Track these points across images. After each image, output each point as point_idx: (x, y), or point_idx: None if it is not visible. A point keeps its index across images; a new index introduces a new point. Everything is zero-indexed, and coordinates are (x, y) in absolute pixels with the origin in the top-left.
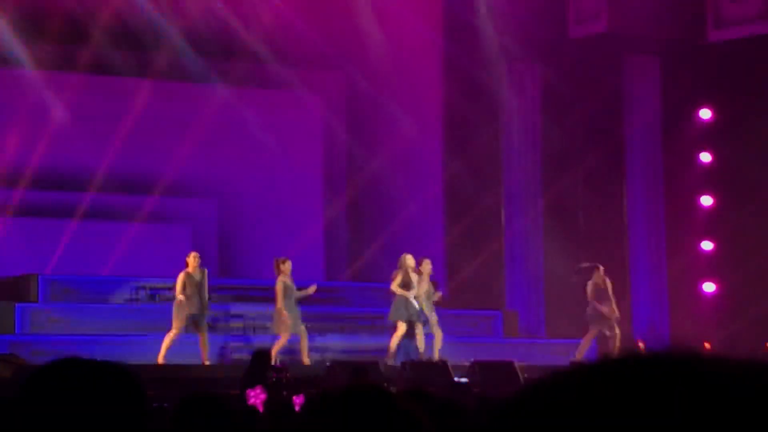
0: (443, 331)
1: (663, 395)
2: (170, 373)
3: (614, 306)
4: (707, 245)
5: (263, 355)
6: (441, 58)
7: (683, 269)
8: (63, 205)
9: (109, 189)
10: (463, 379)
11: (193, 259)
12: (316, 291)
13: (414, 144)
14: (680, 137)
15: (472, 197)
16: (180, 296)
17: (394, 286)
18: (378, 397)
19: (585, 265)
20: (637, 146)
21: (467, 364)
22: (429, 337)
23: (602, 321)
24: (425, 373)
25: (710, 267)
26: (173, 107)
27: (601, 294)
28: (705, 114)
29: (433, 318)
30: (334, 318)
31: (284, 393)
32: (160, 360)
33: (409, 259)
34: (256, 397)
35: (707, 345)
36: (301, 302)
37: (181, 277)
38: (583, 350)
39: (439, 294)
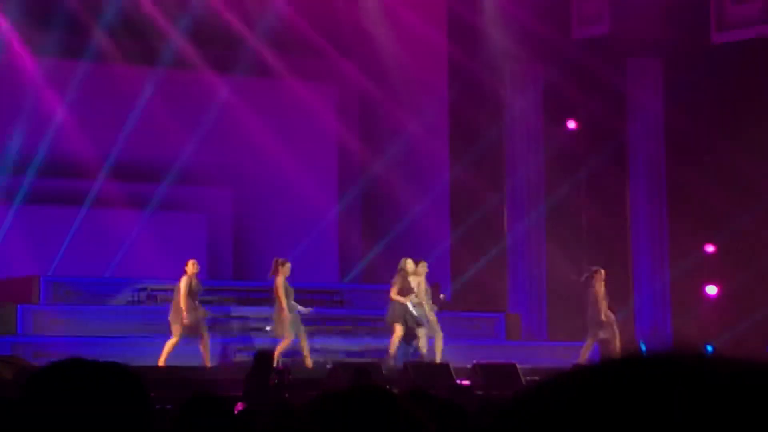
0: (445, 332)
1: (664, 396)
2: (172, 374)
3: (607, 309)
4: (710, 248)
5: (265, 356)
6: (445, 60)
7: (686, 271)
8: (73, 194)
9: (123, 177)
10: (465, 382)
11: (192, 265)
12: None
13: (419, 146)
14: (683, 139)
15: (476, 199)
16: (183, 305)
17: (394, 294)
18: (381, 398)
19: (593, 268)
20: (639, 148)
21: (469, 366)
22: (429, 339)
23: (603, 325)
24: (427, 375)
25: (713, 269)
26: (188, 96)
27: (600, 297)
28: (707, 115)
29: (432, 318)
30: (336, 320)
31: (286, 395)
32: (161, 364)
33: (409, 264)
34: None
35: (710, 347)
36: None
37: (184, 281)
38: (585, 353)
39: (443, 296)
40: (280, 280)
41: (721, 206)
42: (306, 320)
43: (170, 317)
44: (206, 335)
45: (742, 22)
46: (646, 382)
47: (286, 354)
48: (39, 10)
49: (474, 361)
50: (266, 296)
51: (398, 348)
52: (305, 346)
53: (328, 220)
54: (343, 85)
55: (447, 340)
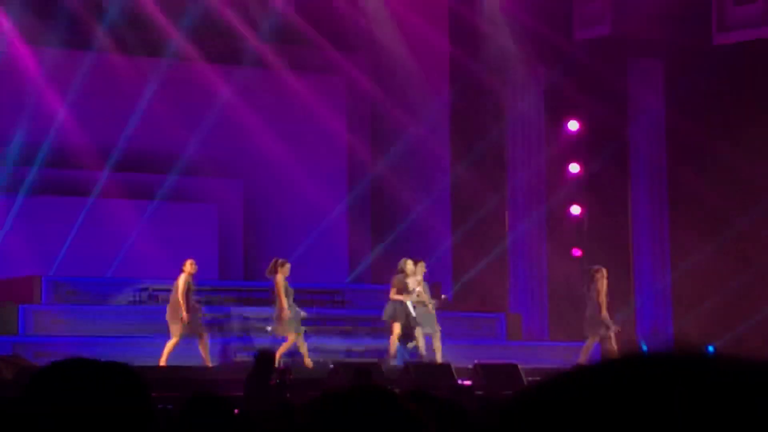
0: (445, 332)
1: (664, 396)
2: (173, 374)
3: (605, 309)
4: (710, 247)
5: (266, 356)
6: (447, 61)
7: (687, 271)
8: (78, 186)
9: (130, 169)
10: (467, 382)
11: (189, 265)
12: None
13: (420, 146)
14: (684, 139)
15: (477, 199)
16: (182, 303)
17: (393, 294)
18: (381, 397)
19: (595, 267)
20: (641, 148)
21: (470, 366)
22: (427, 338)
23: (603, 324)
24: (428, 375)
25: (713, 268)
26: (196, 90)
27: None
28: (708, 116)
29: (433, 313)
30: (337, 320)
31: (287, 395)
32: (162, 365)
33: (409, 265)
34: None
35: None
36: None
37: (183, 280)
38: (586, 353)
39: (444, 297)
40: (281, 280)
41: (722, 206)
42: (307, 320)
43: (168, 317)
44: (205, 335)
45: (743, 23)
46: (646, 381)
47: (287, 354)
48: (41, 3)
49: (475, 362)
50: (267, 296)
51: (398, 348)
52: (303, 346)
53: (336, 220)
54: (347, 86)
55: (448, 340)
